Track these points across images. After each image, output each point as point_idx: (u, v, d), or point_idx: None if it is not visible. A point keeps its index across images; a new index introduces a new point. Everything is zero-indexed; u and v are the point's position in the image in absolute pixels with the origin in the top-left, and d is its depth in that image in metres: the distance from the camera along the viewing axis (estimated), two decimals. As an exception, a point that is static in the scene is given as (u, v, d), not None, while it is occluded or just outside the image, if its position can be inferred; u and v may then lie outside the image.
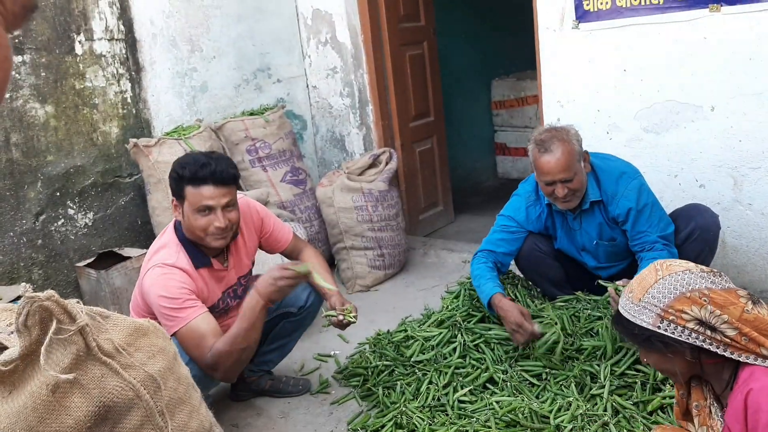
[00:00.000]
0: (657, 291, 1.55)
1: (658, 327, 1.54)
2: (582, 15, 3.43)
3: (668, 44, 3.22)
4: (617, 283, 2.55)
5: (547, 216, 2.96)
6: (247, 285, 2.76)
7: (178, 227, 2.55)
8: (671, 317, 1.52)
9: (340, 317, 2.57)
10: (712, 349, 1.51)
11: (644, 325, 1.56)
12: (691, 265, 1.60)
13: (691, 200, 3.30)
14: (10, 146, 3.39)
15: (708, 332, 1.50)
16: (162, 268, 2.42)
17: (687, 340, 1.52)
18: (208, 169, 2.41)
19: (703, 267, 1.59)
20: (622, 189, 2.80)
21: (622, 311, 1.62)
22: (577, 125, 3.54)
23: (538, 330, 2.64)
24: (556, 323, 2.71)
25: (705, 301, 1.50)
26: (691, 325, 1.51)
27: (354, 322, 2.60)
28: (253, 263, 2.81)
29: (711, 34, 3.10)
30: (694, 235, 2.86)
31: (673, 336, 1.53)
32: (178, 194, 2.47)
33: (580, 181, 2.73)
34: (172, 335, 2.35)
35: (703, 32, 3.12)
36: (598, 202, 2.83)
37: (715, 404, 1.60)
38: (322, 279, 2.60)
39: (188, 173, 2.42)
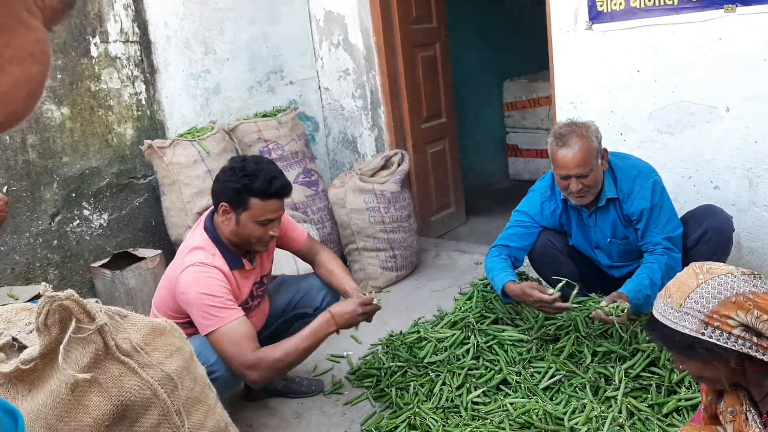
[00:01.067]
0: (699, 296, 1.48)
1: (702, 333, 1.46)
2: (595, 16, 3.42)
3: (683, 45, 3.21)
4: (602, 303, 2.55)
5: (561, 212, 2.96)
6: (268, 285, 2.81)
7: (209, 229, 2.56)
8: (716, 323, 1.45)
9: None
10: (758, 356, 1.44)
11: (686, 331, 1.48)
12: (732, 268, 1.53)
13: (705, 202, 3.28)
14: (27, 147, 3.43)
15: (754, 338, 1.44)
16: (201, 267, 2.45)
17: (733, 347, 1.45)
18: (279, 184, 2.48)
19: (744, 269, 1.52)
20: (638, 188, 2.79)
21: (659, 317, 1.54)
22: (591, 126, 3.56)
23: (555, 296, 2.63)
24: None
25: (750, 305, 1.43)
26: (737, 331, 1.44)
27: (379, 308, 2.66)
28: (272, 263, 2.84)
29: (726, 35, 3.09)
30: (707, 236, 2.83)
31: (718, 343, 1.45)
32: (238, 203, 2.48)
33: (596, 178, 2.73)
34: (207, 333, 2.39)
35: (718, 33, 3.11)
36: (614, 199, 2.83)
37: (752, 410, 1.55)
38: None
39: (261, 186, 2.45)
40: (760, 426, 1.52)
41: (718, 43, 3.11)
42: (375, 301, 2.58)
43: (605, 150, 2.77)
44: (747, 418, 1.55)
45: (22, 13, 0.53)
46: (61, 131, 3.55)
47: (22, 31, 0.52)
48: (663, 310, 1.54)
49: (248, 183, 2.45)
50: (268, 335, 2.86)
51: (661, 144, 3.40)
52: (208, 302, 2.39)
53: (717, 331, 1.45)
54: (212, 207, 2.62)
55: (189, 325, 2.48)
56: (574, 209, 2.93)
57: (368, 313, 2.52)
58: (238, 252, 2.58)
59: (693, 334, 1.47)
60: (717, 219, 2.87)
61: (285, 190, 2.52)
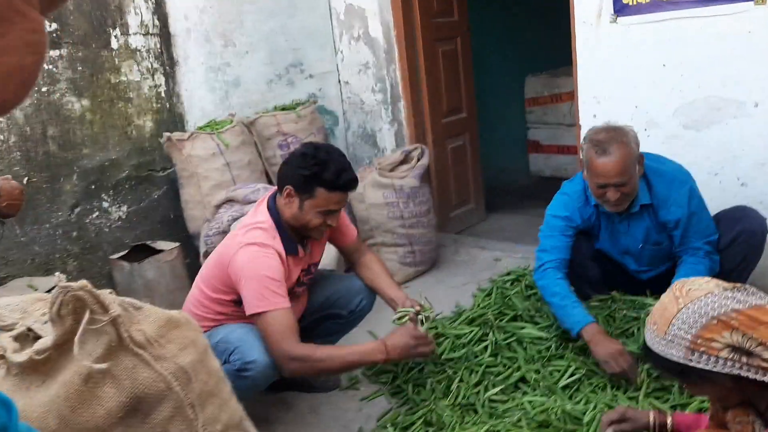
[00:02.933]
0: (681, 321, 1.45)
1: (690, 360, 1.44)
2: (620, 8, 3.35)
3: (710, 38, 3.13)
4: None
5: (595, 217, 2.86)
6: (315, 274, 2.80)
7: (272, 209, 2.55)
8: (702, 348, 1.42)
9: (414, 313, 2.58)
10: (750, 377, 1.41)
11: (675, 359, 1.46)
12: (712, 284, 1.49)
13: (731, 199, 3.20)
14: (47, 139, 3.44)
15: (744, 358, 1.40)
16: (263, 248, 2.44)
17: (722, 371, 1.42)
18: (347, 177, 2.46)
19: (725, 284, 1.48)
20: (674, 195, 2.70)
21: (650, 345, 1.53)
22: (614, 122, 3.49)
23: (633, 374, 2.45)
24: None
25: (734, 323, 1.40)
26: (724, 353, 1.41)
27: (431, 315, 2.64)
28: (322, 251, 2.84)
29: (756, 28, 3.00)
30: (739, 239, 2.76)
31: (706, 368, 1.43)
32: (305, 190, 2.47)
33: (634, 186, 2.63)
34: (254, 314, 2.38)
35: (747, 26, 3.02)
36: (648, 206, 2.74)
37: (759, 421, 1.52)
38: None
39: (330, 177, 2.43)
40: None
41: (748, 37, 3.03)
42: (427, 312, 2.57)
43: (641, 155, 2.66)
44: (755, 429, 1.52)
45: (18, 2, 0.52)
46: (81, 123, 3.57)
47: (18, 20, 0.52)
48: (651, 339, 1.53)
49: (318, 172, 2.43)
50: (302, 328, 2.83)
51: (687, 140, 3.32)
52: (264, 283, 2.38)
53: (704, 356, 1.42)
54: (275, 190, 2.62)
55: (234, 304, 2.50)
56: (605, 214, 2.83)
57: (423, 349, 2.47)
58: (295, 237, 2.57)
59: (681, 361, 1.45)
60: (750, 221, 2.79)
61: (352, 183, 2.51)
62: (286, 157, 2.65)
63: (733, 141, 3.21)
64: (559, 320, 2.76)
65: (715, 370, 1.42)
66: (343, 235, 2.83)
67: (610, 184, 2.58)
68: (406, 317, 2.61)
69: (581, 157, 2.72)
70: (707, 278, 1.55)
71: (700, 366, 1.43)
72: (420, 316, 2.59)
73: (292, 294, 2.64)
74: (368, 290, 2.88)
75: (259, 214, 2.58)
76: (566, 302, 2.67)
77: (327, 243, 2.88)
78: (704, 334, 1.42)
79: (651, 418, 1.88)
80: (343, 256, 2.99)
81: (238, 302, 2.47)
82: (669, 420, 1.86)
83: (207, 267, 2.63)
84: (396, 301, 2.71)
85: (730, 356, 1.41)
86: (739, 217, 2.82)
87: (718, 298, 1.45)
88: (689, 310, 1.46)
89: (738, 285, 1.49)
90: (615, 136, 2.59)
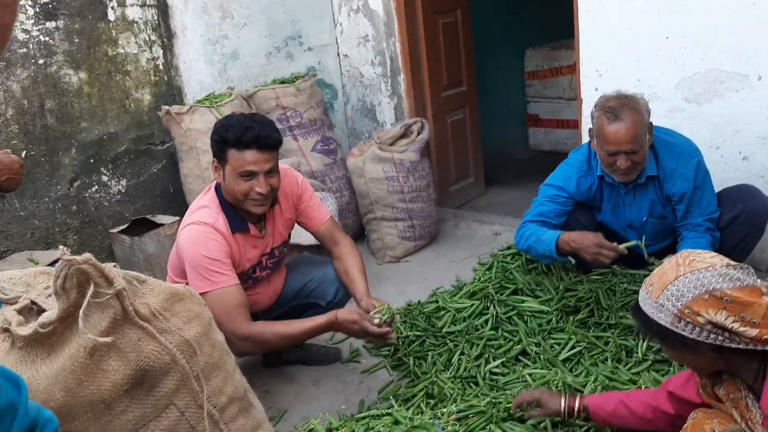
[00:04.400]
0: (676, 289, 1.49)
1: (676, 327, 1.49)
2: (624, -20, 3.31)
3: (714, 10, 3.10)
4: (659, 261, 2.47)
5: (597, 188, 2.85)
6: (281, 258, 2.74)
7: (219, 188, 2.53)
8: (687, 318, 1.47)
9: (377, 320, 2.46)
10: (733, 346, 1.46)
11: (662, 323, 1.51)
12: (716, 259, 1.52)
13: (732, 173, 3.20)
14: (45, 112, 3.41)
15: (726, 334, 1.45)
16: (201, 226, 2.41)
17: (705, 340, 1.47)
18: (253, 133, 2.36)
19: (729, 261, 1.52)
20: (681, 168, 2.69)
21: (641, 304, 1.58)
22: (616, 95, 3.47)
23: (621, 246, 2.56)
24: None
25: (727, 301, 1.44)
26: (708, 327, 1.46)
27: (394, 315, 2.54)
28: (289, 236, 2.78)
29: (760, 0, 2.97)
30: (741, 218, 2.75)
31: (690, 336, 1.48)
32: (220, 157, 2.44)
33: (644, 155, 2.61)
34: (201, 294, 2.34)
35: (752, -2, 2.99)
36: (654, 177, 2.73)
37: (751, 396, 1.55)
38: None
39: (232, 136, 2.37)
40: (759, 410, 1.52)
41: (752, 8, 3.00)
42: (384, 315, 2.46)
43: (651, 124, 2.65)
44: (748, 404, 1.56)
45: None
46: (78, 96, 3.53)
47: None
48: (643, 299, 1.58)
49: (223, 133, 2.39)
50: (278, 316, 2.80)
51: (689, 113, 3.30)
52: (203, 263, 2.36)
53: (689, 325, 1.48)
54: None
55: None
56: (609, 186, 2.82)
57: (366, 333, 2.40)
58: (246, 216, 2.52)
59: (667, 326, 1.51)
60: (753, 201, 2.78)
61: (262, 140, 2.37)
62: None
63: (735, 114, 3.19)
64: (541, 257, 2.83)
65: (698, 339, 1.47)
66: (308, 218, 2.74)
67: (621, 152, 2.56)
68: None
69: (591, 125, 2.70)
70: (714, 253, 1.57)
71: (684, 333, 1.48)
72: (377, 318, 2.46)
73: (253, 278, 2.62)
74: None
75: (207, 195, 2.55)
76: (537, 234, 2.77)
77: (297, 227, 2.82)
78: (693, 305, 1.46)
79: (561, 404, 2.00)
80: (319, 242, 2.89)
81: None
82: (577, 404, 1.97)
83: (172, 256, 2.62)
84: (359, 303, 2.60)
85: (713, 330, 1.46)
86: (742, 195, 2.81)
87: (716, 273, 1.48)
88: (686, 279, 1.49)
89: (739, 264, 1.52)
90: (627, 103, 2.57)
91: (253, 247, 2.57)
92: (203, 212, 2.47)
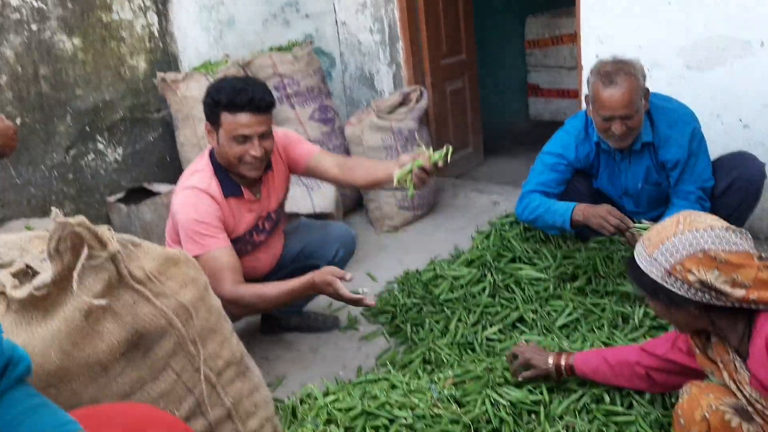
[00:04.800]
0: (671, 245, 1.51)
1: (665, 282, 1.52)
2: (626, -56, 3.25)
3: (718, -25, 3.05)
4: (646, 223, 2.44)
5: (594, 155, 2.83)
6: (277, 220, 2.73)
7: (212, 153, 2.51)
8: (678, 274, 1.50)
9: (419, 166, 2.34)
10: (719, 304, 1.49)
11: (653, 277, 1.54)
12: (717, 222, 1.53)
13: (733, 141, 3.18)
14: (39, 79, 3.37)
15: (713, 293, 1.48)
16: (193, 191, 2.41)
17: (693, 297, 1.50)
18: (246, 96, 2.34)
19: (729, 225, 1.53)
20: (676, 134, 2.67)
21: (636, 257, 1.60)
22: (617, 61, 3.43)
23: (629, 220, 2.54)
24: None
25: (720, 262, 1.46)
26: (696, 285, 1.49)
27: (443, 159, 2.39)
28: (286, 195, 2.76)
29: (765, -36, 2.92)
30: (735, 185, 2.74)
31: (678, 293, 1.51)
32: (213, 120, 2.41)
33: (639, 120, 2.60)
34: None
35: (756, -39, 2.94)
36: (649, 144, 2.71)
37: (738, 358, 1.57)
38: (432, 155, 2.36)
39: (225, 99, 2.35)
40: (746, 371, 1.54)
41: (756, -27, 2.95)
42: (436, 157, 2.34)
43: (647, 89, 2.63)
44: (736, 367, 1.57)
45: None
46: (73, 63, 3.49)
47: None
48: (639, 252, 1.60)
49: (215, 96, 2.37)
50: (278, 279, 2.82)
51: (690, 81, 3.27)
52: (193, 227, 2.36)
53: (678, 281, 1.51)
54: None
55: None
56: (605, 152, 2.80)
57: (343, 299, 2.34)
58: (239, 180, 2.50)
59: (657, 280, 1.53)
60: (748, 168, 2.76)
61: (255, 102, 2.35)
62: None
63: (737, 82, 3.16)
64: (549, 227, 2.82)
65: (685, 295, 1.50)
66: (299, 160, 2.67)
67: (616, 117, 2.55)
68: (410, 168, 2.38)
69: (587, 90, 2.68)
70: (716, 217, 1.57)
71: (673, 289, 1.51)
72: (432, 156, 2.33)
73: (251, 242, 2.62)
74: (345, 238, 2.84)
75: (201, 159, 2.54)
76: (548, 205, 2.75)
77: (292, 185, 2.79)
78: (686, 263, 1.49)
79: (550, 363, 2.06)
80: (330, 182, 2.82)
81: None
82: (563, 361, 2.03)
83: (169, 221, 2.61)
84: (393, 168, 2.45)
85: (701, 288, 1.48)
86: (737, 163, 2.79)
87: (714, 234, 1.49)
88: (684, 237, 1.51)
89: (738, 229, 1.53)
90: (622, 68, 2.55)
91: (249, 211, 2.56)
92: (196, 177, 2.46)
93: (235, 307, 2.33)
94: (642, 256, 1.58)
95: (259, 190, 2.59)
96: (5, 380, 0.72)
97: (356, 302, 2.36)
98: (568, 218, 2.68)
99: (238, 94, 2.33)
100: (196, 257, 2.27)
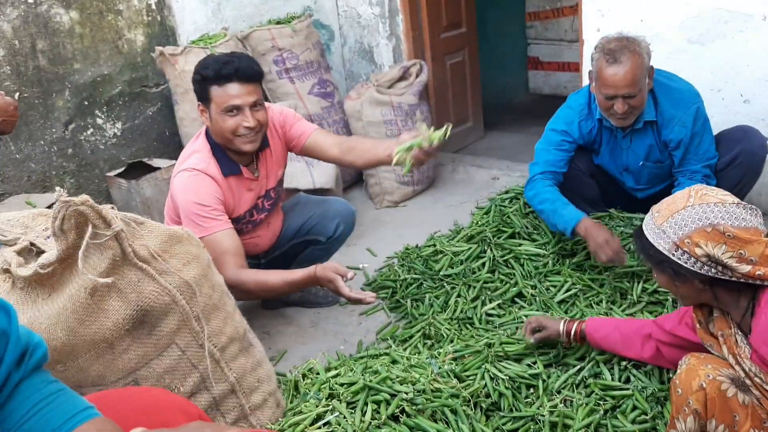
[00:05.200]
0: (681, 218, 1.53)
1: (673, 254, 1.53)
2: None
3: (721, -52, 3.02)
4: None
5: (597, 131, 2.81)
6: (276, 198, 2.74)
7: (208, 132, 2.51)
8: (686, 248, 1.51)
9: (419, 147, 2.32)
10: (725, 278, 1.50)
11: (660, 249, 1.55)
12: (728, 197, 1.54)
13: (733, 116, 3.17)
14: (37, 53, 3.35)
15: (719, 267, 1.49)
16: (191, 172, 2.41)
17: (699, 271, 1.51)
18: (232, 66, 2.35)
19: (739, 201, 1.54)
20: (680, 114, 2.65)
21: (644, 228, 1.61)
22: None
23: (624, 257, 2.51)
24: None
25: (728, 236, 1.47)
26: (703, 259, 1.50)
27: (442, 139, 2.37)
28: (283, 175, 2.77)
29: (769, -63, 2.89)
30: (738, 159, 2.73)
31: (685, 266, 1.52)
32: (204, 97, 2.41)
33: (642, 99, 2.58)
34: None
35: (760, -66, 2.91)
36: (652, 122, 2.69)
37: (740, 333, 1.59)
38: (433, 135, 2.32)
39: (211, 72, 2.35)
40: (747, 345, 1.56)
41: (760, -54, 2.92)
42: (436, 138, 2.31)
43: (652, 68, 2.60)
44: (737, 341, 1.60)
45: None
46: (70, 37, 3.46)
47: None
48: (648, 223, 1.61)
49: (202, 71, 2.38)
50: (278, 255, 2.84)
51: (691, 55, 3.25)
52: (194, 210, 2.36)
53: (685, 254, 1.52)
54: None
55: None
56: (607, 129, 2.79)
57: (344, 296, 2.31)
58: (237, 158, 2.50)
59: (665, 252, 1.55)
60: (750, 142, 2.75)
61: (242, 71, 2.35)
62: None
63: (738, 56, 3.15)
64: (551, 225, 2.78)
65: (692, 269, 1.52)
66: (298, 138, 2.66)
67: (619, 95, 2.53)
68: (408, 145, 2.35)
69: (591, 67, 2.65)
70: (727, 192, 1.57)
71: (679, 262, 1.53)
72: (431, 136, 2.31)
73: (251, 221, 2.62)
74: (345, 214, 2.84)
75: (198, 140, 2.53)
76: (557, 205, 2.69)
77: (291, 161, 2.80)
78: (694, 236, 1.50)
79: (561, 326, 2.12)
80: (329, 161, 2.82)
81: None
82: (575, 327, 2.09)
83: (168, 201, 2.61)
84: (393, 147, 2.43)
85: (707, 262, 1.50)
86: (739, 137, 2.78)
87: (724, 210, 1.50)
88: (694, 210, 1.52)
89: (749, 206, 1.53)
90: (627, 45, 2.51)
91: (248, 190, 2.57)
92: (195, 157, 2.45)
93: (235, 292, 2.34)
94: (650, 228, 1.59)
95: (257, 168, 2.59)
96: (23, 367, 0.73)
97: (357, 301, 2.34)
98: (570, 230, 2.63)
99: (224, 66, 2.34)
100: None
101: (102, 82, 3.62)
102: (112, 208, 1.59)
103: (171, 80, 3.72)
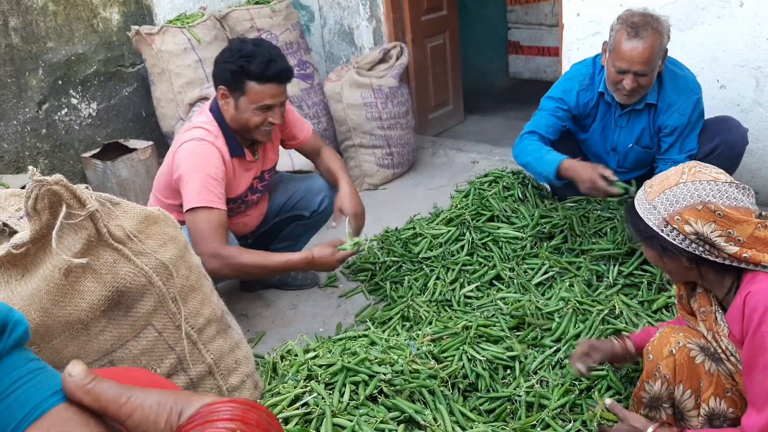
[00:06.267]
0: (672, 194, 1.52)
1: (662, 230, 1.53)
2: None
3: (701, -67, 3.03)
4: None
5: (594, 104, 2.79)
6: (270, 181, 2.75)
7: (215, 111, 2.48)
8: (675, 224, 1.50)
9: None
10: (711, 258, 1.50)
11: (650, 224, 1.54)
12: (721, 176, 1.53)
13: (709, 102, 3.19)
14: (9, 31, 3.28)
15: (707, 246, 1.49)
16: (203, 142, 2.39)
17: (687, 248, 1.51)
18: (276, 67, 2.36)
19: (732, 180, 1.53)
20: (681, 101, 2.66)
21: (635, 203, 1.61)
22: (598, 21, 3.42)
23: (615, 189, 2.55)
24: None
25: (719, 215, 1.46)
26: (691, 237, 1.49)
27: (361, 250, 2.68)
28: (277, 160, 2.77)
29: None
30: (718, 150, 2.75)
31: (673, 242, 1.52)
32: (235, 86, 2.39)
33: (652, 79, 2.57)
34: (190, 209, 2.34)
35: None
36: (652, 105, 2.69)
37: (720, 311, 1.61)
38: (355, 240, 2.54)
39: (255, 69, 2.34)
40: (726, 324, 1.58)
41: (739, -68, 2.93)
42: (356, 241, 2.51)
43: (666, 50, 2.59)
44: (716, 318, 1.61)
45: None
46: (44, 14, 3.39)
47: None
48: (639, 198, 1.61)
49: (244, 65, 2.35)
50: (262, 233, 2.84)
51: (670, 40, 3.26)
52: (200, 178, 2.34)
53: (674, 231, 1.51)
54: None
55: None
56: (606, 104, 2.77)
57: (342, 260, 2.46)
58: (241, 141, 2.51)
59: (654, 228, 1.54)
60: (731, 134, 2.78)
61: (284, 73, 2.40)
62: (216, 56, 2.52)
63: (715, 42, 3.17)
64: (538, 175, 2.80)
65: (680, 246, 1.51)
66: (294, 136, 2.75)
67: (632, 71, 2.50)
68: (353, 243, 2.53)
69: (608, 38, 2.60)
70: (720, 170, 1.57)
71: (668, 238, 1.52)
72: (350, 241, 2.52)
73: (245, 202, 2.63)
74: (329, 189, 2.85)
75: (203, 116, 2.51)
76: (540, 153, 2.72)
77: (282, 147, 2.81)
78: (684, 213, 1.49)
79: (615, 344, 1.93)
80: (303, 155, 2.92)
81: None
82: (629, 343, 1.92)
83: (159, 173, 2.59)
84: (340, 195, 2.69)
85: (696, 240, 1.49)
86: (721, 128, 2.80)
87: (716, 188, 1.49)
88: (686, 187, 1.51)
89: (742, 185, 1.52)
90: (650, 22, 2.48)
91: (246, 170, 2.58)
92: (202, 132, 2.43)
93: (219, 262, 2.33)
94: (642, 202, 1.58)
95: (257, 150, 2.60)
96: (2, 344, 0.72)
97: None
98: (554, 169, 2.65)
99: (269, 65, 2.34)
100: (194, 208, 2.32)
101: (76, 61, 3.55)
102: (87, 187, 1.56)
103: (147, 60, 3.67)
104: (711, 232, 1.47)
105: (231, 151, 2.46)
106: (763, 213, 1.50)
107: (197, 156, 2.37)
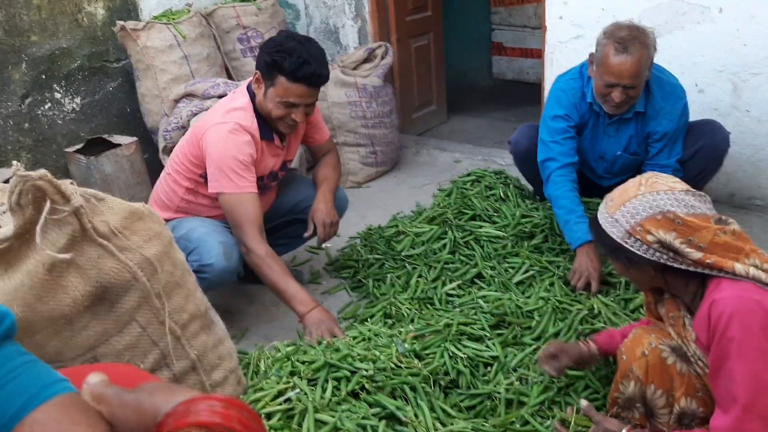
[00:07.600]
0: (632, 206, 1.55)
1: (626, 242, 1.56)
2: None
3: (681, -61, 3.08)
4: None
5: (587, 115, 2.79)
6: (287, 172, 2.80)
7: (251, 91, 2.52)
8: (638, 235, 1.54)
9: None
10: (676, 266, 1.54)
11: (613, 237, 1.58)
12: (677, 185, 1.57)
13: (689, 105, 3.26)
14: (-8, 24, 3.25)
15: (671, 254, 1.53)
16: (236, 127, 2.42)
17: (652, 258, 1.54)
18: (309, 70, 2.37)
19: (689, 188, 1.57)
20: (669, 107, 2.69)
21: (599, 218, 1.64)
22: (580, 24, 3.47)
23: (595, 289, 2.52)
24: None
25: (678, 223, 1.50)
26: (655, 246, 1.53)
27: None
28: (297, 152, 2.82)
29: (727, -70, 2.96)
30: (701, 153, 2.80)
31: (638, 253, 1.55)
32: (268, 75, 2.42)
33: (641, 90, 2.59)
34: (219, 193, 2.42)
35: (719, -73, 2.98)
36: (641, 114, 2.71)
37: (688, 316, 1.65)
38: None
39: (288, 66, 2.35)
40: (693, 332, 1.60)
41: (718, -61, 2.99)
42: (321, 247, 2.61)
43: (652, 60, 2.60)
44: (684, 323, 1.65)
45: None
46: (27, 8, 3.37)
47: None
48: (601, 212, 1.64)
49: (279, 59, 2.37)
50: (268, 229, 2.83)
51: (656, 51, 3.32)
52: (232, 164, 2.39)
53: (638, 242, 1.55)
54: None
55: (204, 180, 2.50)
56: (595, 114, 2.78)
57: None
58: (270, 126, 2.54)
59: (618, 240, 1.58)
60: (714, 137, 2.82)
61: (315, 78, 2.40)
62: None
63: (694, 47, 3.23)
64: (560, 228, 2.78)
65: (644, 256, 1.55)
66: (315, 136, 2.81)
67: (620, 85, 2.52)
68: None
69: (595, 51, 2.60)
70: (676, 179, 1.62)
71: (633, 249, 1.56)
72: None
73: (262, 185, 2.64)
74: (340, 199, 2.86)
75: (239, 95, 2.55)
76: (570, 217, 2.67)
77: (306, 144, 2.87)
78: (646, 224, 1.53)
79: (582, 348, 1.97)
80: (311, 154, 2.97)
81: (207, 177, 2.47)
82: (592, 345, 1.97)
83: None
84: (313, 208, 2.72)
85: (659, 249, 1.53)
86: (704, 132, 2.84)
87: (674, 197, 1.53)
88: (645, 199, 1.55)
89: (698, 192, 1.57)
90: (638, 36, 2.49)
91: (272, 155, 2.61)
92: (239, 114, 2.46)
93: (253, 259, 2.39)
94: (604, 216, 1.62)
95: (285, 138, 2.64)
96: None
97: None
98: (575, 247, 2.64)
99: (302, 67, 2.35)
100: (227, 194, 2.39)
101: (60, 55, 3.53)
102: (72, 182, 1.57)
103: (132, 56, 3.66)
104: (673, 240, 1.51)
105: (262, 135, 2.50)
106: (722, 217, 1.54)
107: (229, 141, 2.41)
